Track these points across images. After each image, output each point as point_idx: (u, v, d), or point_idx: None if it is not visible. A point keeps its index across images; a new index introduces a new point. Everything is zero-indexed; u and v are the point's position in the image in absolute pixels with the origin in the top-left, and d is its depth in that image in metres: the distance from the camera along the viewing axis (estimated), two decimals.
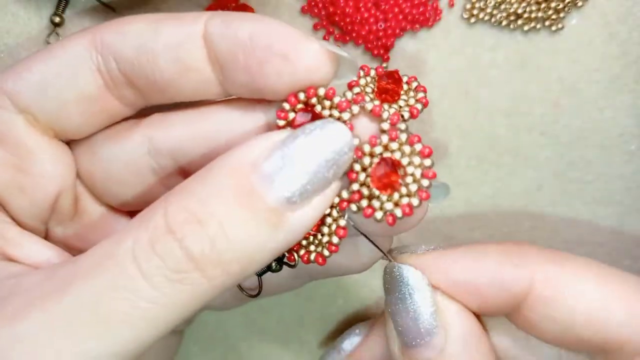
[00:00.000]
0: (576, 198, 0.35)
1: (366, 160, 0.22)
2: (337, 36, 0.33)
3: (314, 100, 0.22)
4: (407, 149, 0.22)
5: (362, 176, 0.22)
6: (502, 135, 0.34)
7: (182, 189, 0.20)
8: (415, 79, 0.23)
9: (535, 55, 0.33)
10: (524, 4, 0.32)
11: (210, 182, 0.20)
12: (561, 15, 0.32)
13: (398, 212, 0.21)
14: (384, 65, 0.33)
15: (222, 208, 0.19)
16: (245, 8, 0.32)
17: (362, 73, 0.23)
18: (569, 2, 0.32)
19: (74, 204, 0.25)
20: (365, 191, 0.22)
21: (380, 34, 0.32)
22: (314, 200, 0.20)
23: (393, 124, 0.22)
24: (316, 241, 0.23)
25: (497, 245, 0.24)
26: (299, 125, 0.21)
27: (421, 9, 0.32)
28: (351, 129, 0.22)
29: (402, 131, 0.22)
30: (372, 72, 0.23)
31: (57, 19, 0.31)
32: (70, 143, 0.25)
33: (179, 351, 0.38)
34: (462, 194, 0.35)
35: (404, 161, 0.21)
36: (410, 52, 0.33)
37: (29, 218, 0.24)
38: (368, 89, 0.23)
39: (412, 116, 0.22)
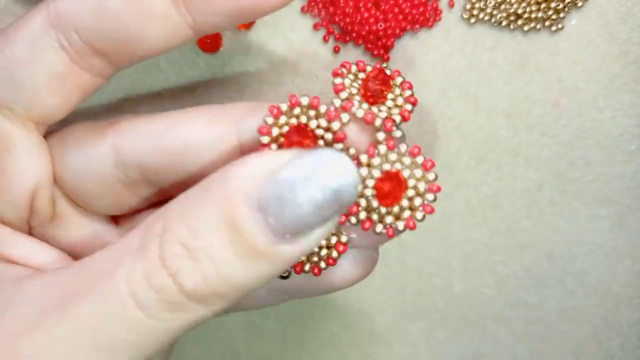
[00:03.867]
0: (576, 198, 0.35)
1: (364, 172, 0.21)
2: (337, 36, 0.33)
3: (297, 110, 0.21)
4: (407, 160, 0.21)
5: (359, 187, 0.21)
6: (502, 135, 0.34)
7: (178, 214, 0.19)
8: (399, 74, 0.22)
9: (535, 55, 0.33)
10: (524, 4, 0.32)
11: (203, 212, 0.19)
12: (561, 15, 0.32)
13: (400, 225, 0.21)
14: (385, 64, 0.32)
15: (214, 242, 0.18)
16: None
17: (344, 71, 0.22)
18: (569, 2, 0.32)
19: (50, 205, 0.25)
20: (363, 202, 0.21)
21: (380, 34, 0.32)
22: (313, 233, 0.19)
23: (388, 131, 0.21)
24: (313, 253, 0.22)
25: None
26: (288, 143, 0.20)
27: (421, 9, 0.32)
28: (344, 138, 0.21)
29: (399, 139, 0.21)
30: (354, 68, 0.22)
31: None
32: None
33: (179, 351, 0.38)
34: (462, 194, 0.35)
35: (405, 173, 0.21)
36: (410, 52, 0.33)
37: (10, 218, 0.24)
38: (354, 90, 0.22)
39: (404, 119, 0.21)
